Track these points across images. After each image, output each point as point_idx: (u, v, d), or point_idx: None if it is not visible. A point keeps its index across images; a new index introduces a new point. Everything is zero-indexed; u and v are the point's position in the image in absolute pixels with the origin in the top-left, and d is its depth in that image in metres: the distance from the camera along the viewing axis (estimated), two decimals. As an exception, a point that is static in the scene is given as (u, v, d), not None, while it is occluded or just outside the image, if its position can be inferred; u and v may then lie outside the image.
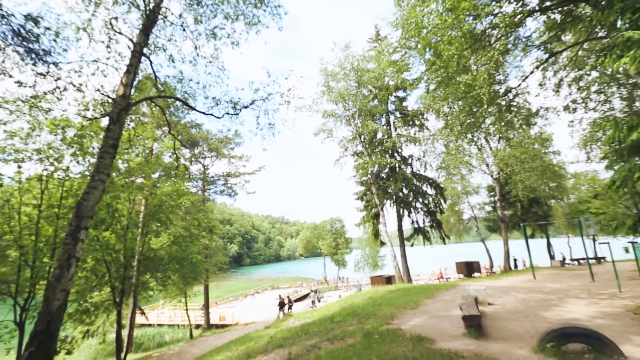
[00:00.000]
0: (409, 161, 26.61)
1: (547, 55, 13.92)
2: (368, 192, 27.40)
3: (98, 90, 9.93)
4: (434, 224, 26.27)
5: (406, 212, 26.51)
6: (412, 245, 27.19)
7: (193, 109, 10.16)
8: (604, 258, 20.70)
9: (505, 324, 7.21)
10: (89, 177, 12.06)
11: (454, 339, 6.31)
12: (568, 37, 17.02)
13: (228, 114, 9.96)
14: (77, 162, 11.62)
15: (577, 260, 21.23)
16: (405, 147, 26.36)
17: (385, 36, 27.21)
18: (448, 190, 30.25)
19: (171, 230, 14.35)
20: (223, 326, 24.10)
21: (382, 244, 28.91)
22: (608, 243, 11.03)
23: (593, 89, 18.33)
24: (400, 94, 27.16)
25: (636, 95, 17.52)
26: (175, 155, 11.04)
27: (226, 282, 59.61)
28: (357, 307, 11.49)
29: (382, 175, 26.50)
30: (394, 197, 25.94)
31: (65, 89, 9.37)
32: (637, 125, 5.89)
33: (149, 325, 25.37)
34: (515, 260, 29.03)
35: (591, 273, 13.21)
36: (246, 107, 10.30)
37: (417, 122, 26.37)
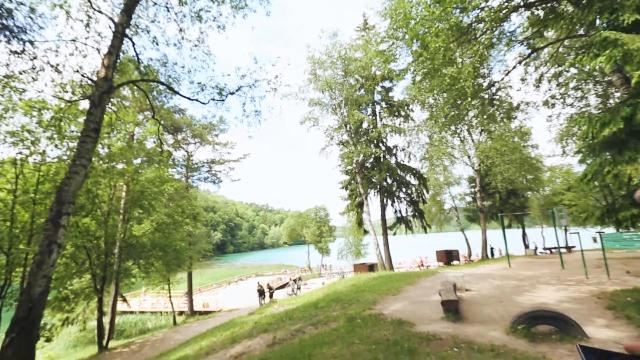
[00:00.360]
0: (394, 151, 26.96)
1: (529, 50, 14.29)
2: (353, 182, 27.68)
3: (77, 71, 9.56)
4: (416, 214, 26.91)
5: (390, 202, 27.00)
6: (394, 234, 27.82)
7: (177, 93, 9.95)
8: (573, 247, 21.84)
9: (481, 309, 7.59)
10: (67, 162, 11.72)
11: (432, 323, 6.62)
12: (550, 34, 17.48)
13: (214, 99, 9.82)
14: (55, 146, 11.22)
15: (549, 249, 22.30)
16: (390, 137, 26.69)
17: (374, 25, 27.09)
18: (431, 180, 30.90)
19: (154, 217, 14.16)
20: (207, 313, 24.17)
21: (366, 232, 29.43)
22: (578, 233, 11.65)
23: (571, 85, 18.99)
24: (387, 84, 27.27)
25: (610, 93, 18.25)
26: (159, 141, 10.81)
27: (209, 269, 59.45)
28: (340, 294, 11.77)
29: (367, 164, 26.78)
30: (378, 186, 26.33)
31: (42, 69, 8.98)
32: (609, 122, 6.20)
33: (131, 312, 25.16)
34: (492, 249, 30.19)
35: (561, 261, 13.95)
36: (232, 93, 10.17)
37: (403, 113, 26.64)
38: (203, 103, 9.61)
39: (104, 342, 15.19)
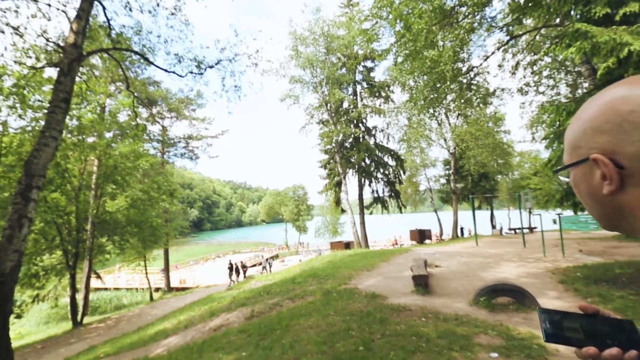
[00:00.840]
0: (373, 132, 27.22)
1: (508, 37, 14.61)
2: (331, 161, 27.86)
3: (41, 35, 8.91)
4: (393, 194, 27.65)
5: (367, 182, 27.52)
6: (371, 213, 28.56)
7: (152, 64, 9.52)
8: (535, 228, 23.37)
9: (449, 283, 8.13)
10: (32, 134, 11.09)
11: (404, 296, 7.06)
12: (529, 22, 17.85)
13: (192, 72, 9.49)
14: (19, 116, 10.55)
15: (514, 229, 23.74)
16: (370, 118, 26.85)
17: (357, 2, 26.54)
18: (408, 162, 31.57)
19: (128, 192, 13.78)
20: (184, 289, 24.24)
21: (343, 211, 30.00)
22: (540, 215, 12.48)
23: (544, 73, 19.65)
24: (369, 64, 27.11)
25: (579, 83, 19.08)
26: (133, 114, 10.36)
27: (186, 246, 58.98)
28: (317, 270, 12.15)
29: (346, 144, 26.96)
30: (357, 166, 26.69)
31: (1, 31, 8.29)
32: (574, 111, 6.58)
33: (106, 289, 24.83)
34: (462, 229, 31.71)
35: (524, 241, 14.96)
36: (211, 66, 9.85)
37: (383, 94, 26.74)
38: (180, 76, 9.27)
39: (78, 318, 15.05)
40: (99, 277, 18.35)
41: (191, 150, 28.06)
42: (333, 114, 25.91)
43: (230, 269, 20.90)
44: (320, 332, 5.17)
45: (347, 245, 25.86)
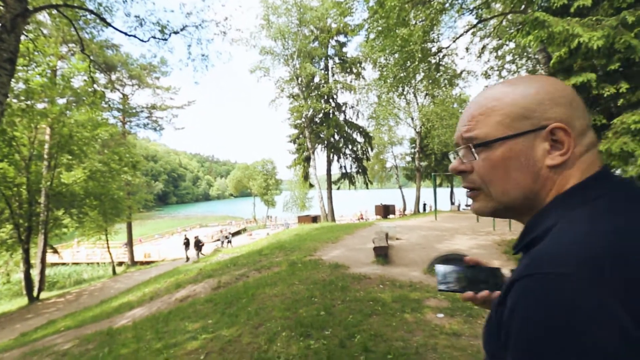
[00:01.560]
0: (343, 108, 27.33)
1: (477, 20, 14.98)
2: (301, 136, 27.79)
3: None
4: (360, 170, 28.34)
5: (336, 157, 27.90)
6: (338, 188, 29.20)
7: (110, 25, 8.82)
8: (490, 205, 25.13)
9: (407, 254, 8.74)
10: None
11: (365, 266, 7.53)
12: (498, 6, 18.29)
13: (155, 38, 8.92)
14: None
15: (470, 205, 25.41)
16: (340, 94, 26.85)
17: (332, -29, 25.65)
18: (376, 139, 32.17)
19: (86, 164, 13.02)
20: (148, 263, 23.82)
21: (311, 186, 30.38)
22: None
23: (508, 58, 20.47)
24: (342, 38, 26.73)
25: (537, 70, 20.10)
26: (90, 79, 9.62)
27: (151, 220, 57.22)
28: (284, 242, 12.46)
29: (316, 119, 26.91)
30: (326, 142, 26.87)
31: None
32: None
33: (64, 264, 23.81)
34: (424, 204, 33.36)
35: (477, 216, 16.16)
36: (176, 32, 9.33)
37: (355, 70, 26.68)
38: (142, 41, 8.69)
39: (34, 294, 14.47)
40: (55, 251, 17.53)
41: (155, 120, 26.68)
42: (304, 89, 25.57)
43: (186, 244, 20.37)
44: (284, 300, 5.47)
45: (315, 219, 26.46)
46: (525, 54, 20.16)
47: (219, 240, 26.47)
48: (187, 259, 19.93)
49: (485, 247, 9.07)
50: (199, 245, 19.94)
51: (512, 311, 0.44)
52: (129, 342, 5.09)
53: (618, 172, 6.60)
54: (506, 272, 0.80)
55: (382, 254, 7.84)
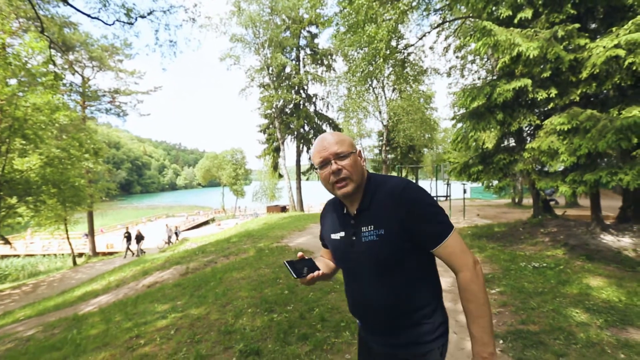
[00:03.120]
0: (313, 100, 27.59)
1: (441, 20, 15.78)
2: (271, 126, 27.81)
3: None
4: (329, 162, 28.83)
5: (305, 148, 28.22)
6: (307, 179, 29.63)
7: (71, 5, 8.51)
8: (449, 196, 26.75)
9: (368, 241, 9.37)
10: None
11: (328, 251, 8.05)
12: (463, 8, 19.23)
13: (120, 21, 8.71)
14: None
15: (434, 197, 26.86)
16: (311, 85, 27.04)
17: (304, -39, 25.53)
18: (345, 131, 32.81)
19: (43, 149, 12.38)
20: (111, 253, 23.09)
21: (280, 176, 30.57)
22: (449, 185, 14.48)
23: (469, 58, 21.66)
24: (313, 30, 26.81)
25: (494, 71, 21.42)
26: (49, 58, 9.11)
27: (113, 210, 54.65)
28: (252, 231, 12.76)
29: (287, 110, 27.01)
30: (295, 132, 27.08)
31: None
32: (476, 97, 7.81)
33: (16, 255, 22.49)
34: (390, 195, 34.72)
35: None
36: (143, 17, 9.14)
37: (326, 62, 26.95)
38: (107, 24, 8.46)
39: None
40: (7, 242, 16.59)
41: (118, 106, 25.44)
42: (274, 79, 25.52)
43: (128, 238, 18.74)
44: (251, 282, 5.84)
45: (283, 209, 26.81)
46: (485, 55, 21.43)
47: (165, 241, 22.36)
48: (133, 253, 18.52)
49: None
50: (138, 239, 18.46)
51: (418, 199, 1.15)
52: (97, 324, 5.26)
53: (546, 168, 7.53)
54: (316, 261, 1.38)
55: (345, 240, 8.39)
